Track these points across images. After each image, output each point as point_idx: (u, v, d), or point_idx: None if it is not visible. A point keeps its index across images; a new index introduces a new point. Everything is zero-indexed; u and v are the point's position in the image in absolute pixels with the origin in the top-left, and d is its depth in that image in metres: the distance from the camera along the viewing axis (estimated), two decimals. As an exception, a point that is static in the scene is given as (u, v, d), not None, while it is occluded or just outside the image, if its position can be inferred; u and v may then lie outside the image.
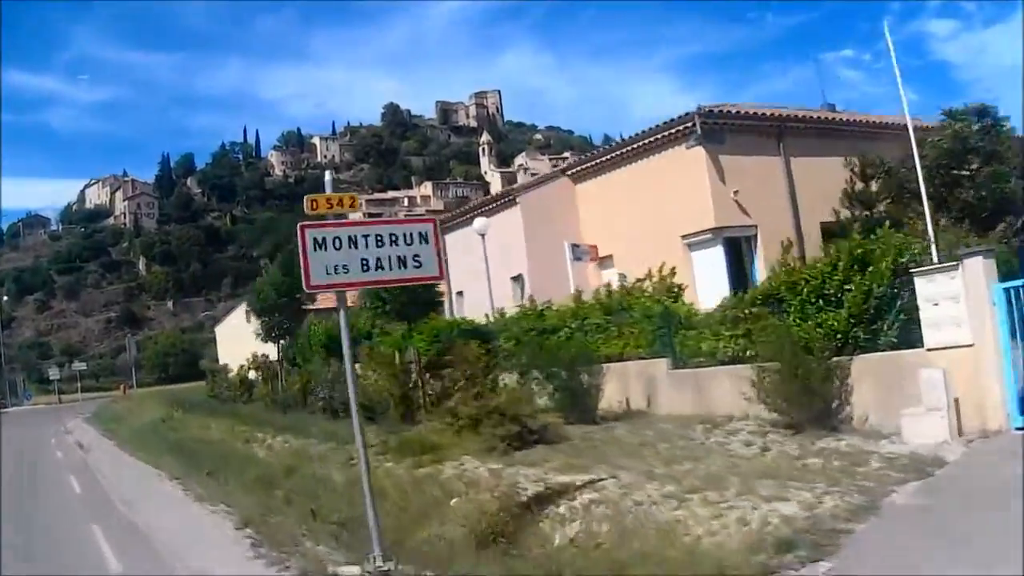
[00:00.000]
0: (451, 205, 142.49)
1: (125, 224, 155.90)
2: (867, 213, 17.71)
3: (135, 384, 47.88)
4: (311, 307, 30.33)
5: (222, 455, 16.38)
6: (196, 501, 12.00)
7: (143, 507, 11.96)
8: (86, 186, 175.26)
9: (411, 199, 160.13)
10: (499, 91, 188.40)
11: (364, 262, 7.03)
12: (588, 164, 22.06)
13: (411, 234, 7.26)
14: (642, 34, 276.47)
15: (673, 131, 18.65)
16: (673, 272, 15.60)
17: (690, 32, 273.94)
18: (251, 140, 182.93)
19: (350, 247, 6.98)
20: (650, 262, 18.23)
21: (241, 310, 57.18)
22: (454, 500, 9.00)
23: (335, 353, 25.16)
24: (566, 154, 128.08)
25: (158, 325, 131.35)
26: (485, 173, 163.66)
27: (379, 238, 7.12)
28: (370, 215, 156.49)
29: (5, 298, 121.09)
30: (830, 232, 19.06)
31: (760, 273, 18.44)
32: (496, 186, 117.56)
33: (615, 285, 18.57)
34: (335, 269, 6.89)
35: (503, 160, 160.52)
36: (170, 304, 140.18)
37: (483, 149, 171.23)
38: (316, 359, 26.51)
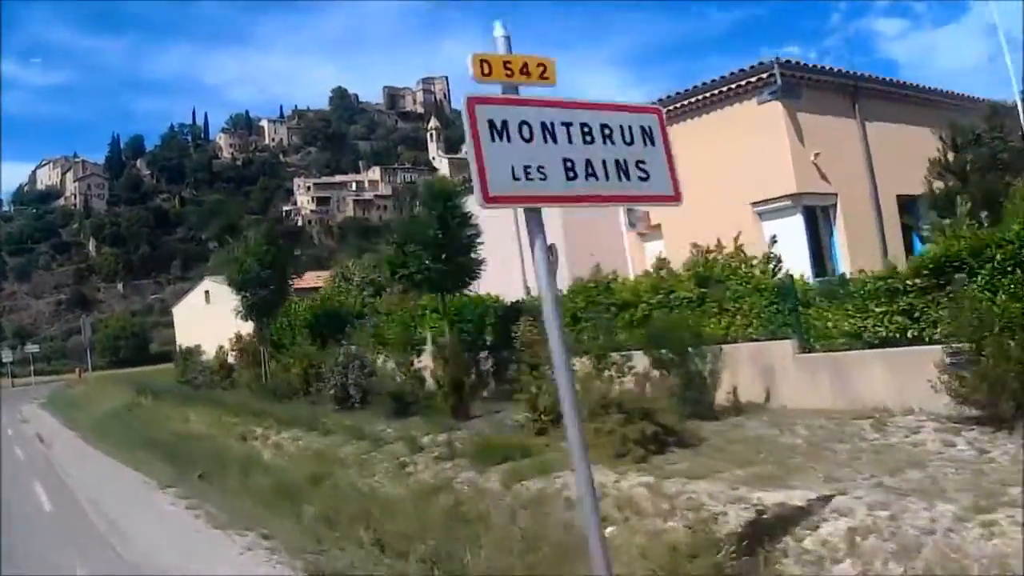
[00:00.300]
0: (399, 190, 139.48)
1: (75, 205, 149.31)
2: (960, 184, 15.67)
3: (89, 367, 44.08)
4: (296, 284, 27.37)
5: (216, 455, 13.29)
6: (213, 526, 8.83)
7: (144, 537, 8.82)
8: (37, 167, 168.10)
9: (359, 183, 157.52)
10: (446, 77, 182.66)
11: (568, 165, 4.32)
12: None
13: (630, 127, 4.61)
14: (590, 26, 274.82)
15: (743, 83, 16.24)
16: (774, 240, 13.16)
17: (637, 25, 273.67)
18: (200, 123, 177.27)
19: (545, 139, 4.29)
20: (708, 232, 15.72)
21: (199, 290, 53.60)
22: (609, 529, 6.44)
23: (321, 334, 22.47)
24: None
25: (108, 307, 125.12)
26: (433, 159, 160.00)
27: (586, 129, 4.45)
28: (319, 199, 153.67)
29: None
30: (907, 205, 17.17)
31: (840, 246, 16.27)
32: (444, 172, 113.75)
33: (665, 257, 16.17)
34: (526, 173, 4.19)
35: (451, 146, 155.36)
36: (120, 286, 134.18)
37: (431, 135, 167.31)
38: (300, 340, 23.73)
